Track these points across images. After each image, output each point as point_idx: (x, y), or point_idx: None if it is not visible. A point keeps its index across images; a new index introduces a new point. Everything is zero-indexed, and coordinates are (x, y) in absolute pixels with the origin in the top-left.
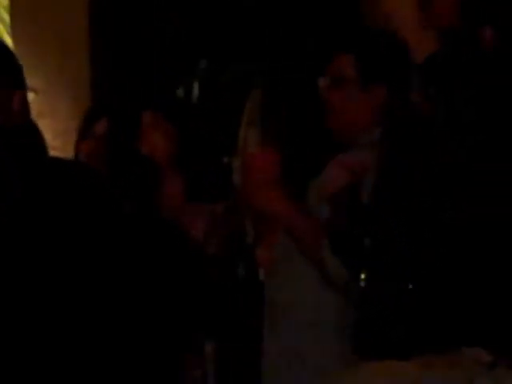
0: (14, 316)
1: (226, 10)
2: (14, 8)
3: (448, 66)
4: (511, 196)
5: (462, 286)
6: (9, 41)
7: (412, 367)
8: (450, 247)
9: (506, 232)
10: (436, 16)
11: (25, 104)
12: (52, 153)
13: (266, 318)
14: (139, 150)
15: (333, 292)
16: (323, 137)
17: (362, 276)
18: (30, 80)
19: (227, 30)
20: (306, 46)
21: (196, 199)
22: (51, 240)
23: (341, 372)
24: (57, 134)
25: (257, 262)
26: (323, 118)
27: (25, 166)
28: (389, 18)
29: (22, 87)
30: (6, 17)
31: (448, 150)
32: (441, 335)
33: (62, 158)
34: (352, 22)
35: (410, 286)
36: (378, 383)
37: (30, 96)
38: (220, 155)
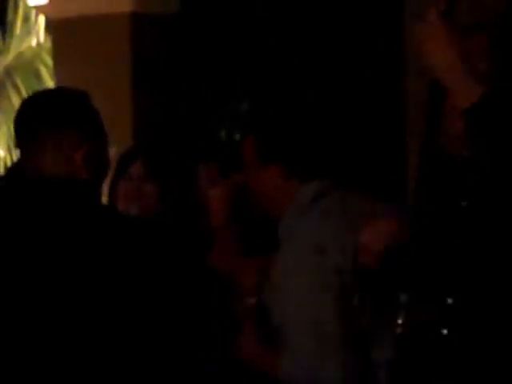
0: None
1: (269, 54)
2: (57, 52)
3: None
4: None
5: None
6: (52, 85)
7: None
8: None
9: None
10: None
11: (91, 157)
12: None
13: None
14: (190, 196)
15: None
16: None
17: (399, 321)
18: None
19: (268, 73)
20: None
21: (249, 250)
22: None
23: None
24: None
25: None
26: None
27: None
28: (431, 62)
29: (88, 140)
30: (49, 60)
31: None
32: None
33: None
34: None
35: (445, 332)
36: None
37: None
38: None
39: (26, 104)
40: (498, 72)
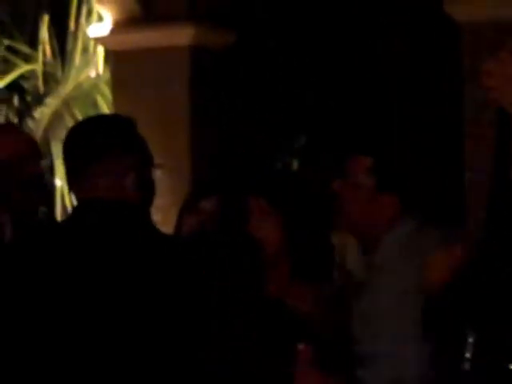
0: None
1: (322, 85)
2: (115, 83)
3: None
4: None
5: None
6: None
7: None
8: None
9: None
10: None
11: (140, 181)
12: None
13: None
14: (249, 233)
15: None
16: None
17: (467, 356)
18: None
19: (326, 108)
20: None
21: (300, 277)
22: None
23: None
24: (158, 208)
25: None
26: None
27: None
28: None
29: (136, 165)
30: (107, 91)
31: None
32: None
33: (176, 236)
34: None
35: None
36: None
37: (157, 173)
38: (323, 229)
39: (75, 131)
40: None
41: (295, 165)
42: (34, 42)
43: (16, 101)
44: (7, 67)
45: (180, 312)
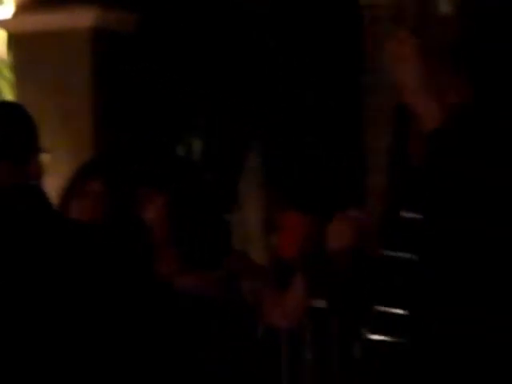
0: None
1: (224, 68)
2: (17, 66)
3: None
4: None
5: None
6: (11, 99)
7: None
8: None
9: None
10: None
11: (39, 165)
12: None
13: None
14: (136, 215)
15: None
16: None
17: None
18: None
19: (227, 88)
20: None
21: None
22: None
23: None
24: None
25: (270, 323)
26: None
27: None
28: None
29: (37, 149)
30: (8, 74)
31: None
32: None
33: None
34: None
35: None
36: None
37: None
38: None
39: None
40: (464, 97)
41: (197, 145)
42: None
43: None
44: None
45: (79, 296)
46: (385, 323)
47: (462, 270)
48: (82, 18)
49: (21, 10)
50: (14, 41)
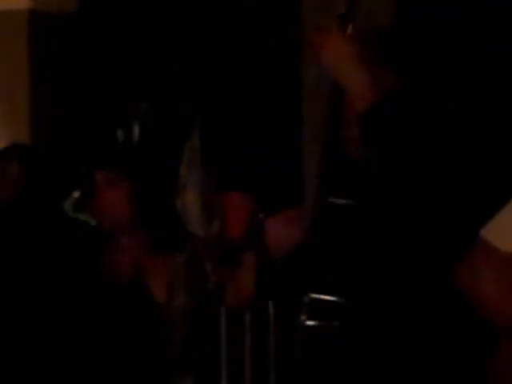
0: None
1: (165, 51)
2: None
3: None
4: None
5: None
6: None
7: None
8: None
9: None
10: None
11: None
12: None
13: None
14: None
15: None
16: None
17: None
18: None
19: (166, 70)
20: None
21: (156, 250)
22: None
23: None
24: None
25: (219, 308)
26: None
27: None
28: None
29: None
30: None
31: None
32: None
33: None
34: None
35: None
36: None
37: None
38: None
39: None
40: (394, 77)
41: (136, 132)
42: None
43: None
44: None
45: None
46: (320, 310)
47: (394, 257)
48: (18, 0)
49: None
50: None
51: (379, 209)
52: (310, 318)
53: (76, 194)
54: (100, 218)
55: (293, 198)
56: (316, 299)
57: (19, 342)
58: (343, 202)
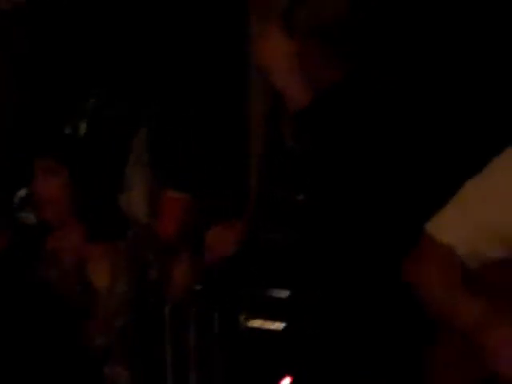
0: None
1: (112, 49)
2: None
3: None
4: None
5: None
6: None
7: None
8: None
9: None
10: None
11: None
12: None
13: None
14: None
15: None
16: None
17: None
18: None
19: (114, 69)
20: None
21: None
22: None
23: None
24: None
25: (163, 296)
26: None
27: None
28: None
29: None
30: None
31: None
32: None
33: None
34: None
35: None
36: None
37: None
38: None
39: None
40: (332, 77)
41: (83, 127)
42: None
43: None
44: None
45: None
46: (263, 307)
47: (338, 251)
48: None
49: None
50: None
51: (322, 203)
52: (252, 317)
53: (22, 193)
54: (39, 207)
55: (237, 196)
56: (260, 295)
57: None
58: (285, 194)
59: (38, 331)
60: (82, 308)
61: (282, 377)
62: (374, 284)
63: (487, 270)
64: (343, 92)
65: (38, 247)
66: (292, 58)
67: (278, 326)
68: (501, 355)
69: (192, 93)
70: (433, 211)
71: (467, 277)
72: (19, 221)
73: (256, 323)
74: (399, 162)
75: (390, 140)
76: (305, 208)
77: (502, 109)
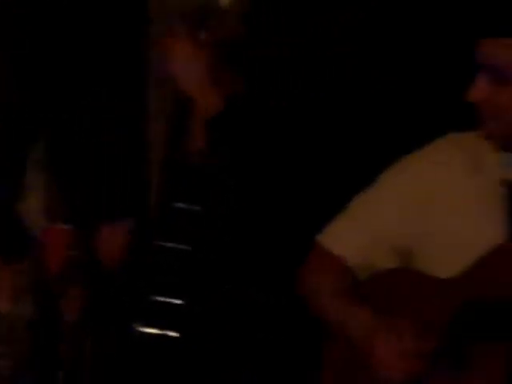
0: None
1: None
2: None
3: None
4: None
5: None
6: None
7: None
8: None
9: None
10: None
11: None
12: None
13: None
14: None
15: None
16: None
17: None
18: None
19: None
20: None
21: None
22: None
23: None
24: None
25: (61, 315)
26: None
27: None
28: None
29: None
30: None
31: None
32: None
33: None
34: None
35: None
36: None
37: None
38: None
39: None
40: (236, 88)
41: None
42: None
43: None
44: None
45: None
46: (158, 315)
47: (237, 260)
48: None
49: None
50: None
51: (225, 213)
52: (146, 325)
53: None
54: None
55: (137, 202)
56: (155, 302)
57: None
58: (184, 206)
59: None
60: None
61: None
62: (266, 293)
63: (376, 279)
64: (246, 102)
65: None
66: (203, 65)
67: (173, 334)
68: (382, 359)
69: (87, 102)
70: (325, 222)
71: (356, 286)
72: None
73: (151, 331)
74: (293, 171)
75: (281, 155)
76: (201, 219)
77: (394, 118)
